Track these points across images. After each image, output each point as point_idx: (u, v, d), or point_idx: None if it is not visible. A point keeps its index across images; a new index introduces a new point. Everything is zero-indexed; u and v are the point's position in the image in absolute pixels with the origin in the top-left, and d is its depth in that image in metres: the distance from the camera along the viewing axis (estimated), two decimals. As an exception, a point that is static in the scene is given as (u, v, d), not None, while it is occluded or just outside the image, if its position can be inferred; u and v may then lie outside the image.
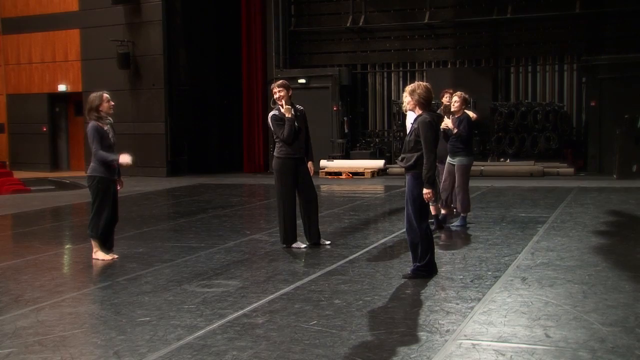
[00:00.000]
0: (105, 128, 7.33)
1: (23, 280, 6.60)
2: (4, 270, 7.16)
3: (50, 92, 21.15)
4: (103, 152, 7.24)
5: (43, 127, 21.38)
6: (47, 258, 7.85)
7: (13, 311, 5.48)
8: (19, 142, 21.88)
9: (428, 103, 6.29)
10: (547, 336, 4.54)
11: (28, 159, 21.63)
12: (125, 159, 7.26)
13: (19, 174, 19.44)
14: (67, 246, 9.06)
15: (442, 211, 9.12)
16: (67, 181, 17.93)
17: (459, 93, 8.99)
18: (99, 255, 7.44)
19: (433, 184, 6.14)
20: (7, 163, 21.44)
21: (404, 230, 8.73)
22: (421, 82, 6.56)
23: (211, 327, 4.90)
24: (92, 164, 7.37)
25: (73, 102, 21.34)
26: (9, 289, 6.25)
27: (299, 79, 18.52)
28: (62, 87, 20.93)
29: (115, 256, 7.53)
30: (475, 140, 17.48)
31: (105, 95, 7.39)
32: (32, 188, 17.37)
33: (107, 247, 7.54)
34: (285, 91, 7.69)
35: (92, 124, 7.30)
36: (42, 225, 10.82)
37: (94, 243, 7.50)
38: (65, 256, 8.34)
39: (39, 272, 6.97)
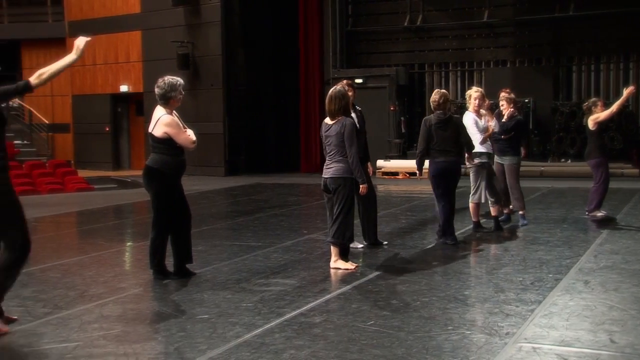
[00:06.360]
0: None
1: (88, 276, 6.79)
2: (69, 266, 7.37)
3: (113, 92, 21.66)
4: (356, 159, 6.55)
5: (106, 127, 21.93)
6: (110, 255, 8.06)
7: (79, 306, 5.65)
8: (83, 141, 22.49)
9: (436, 106, 7.72)
10: (612, 341, 4.43)
11: (91, 158, 22.22)
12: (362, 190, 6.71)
13: (83, 173, 20.02)
14: (129, 243, 9.27)
15: (505, 211, 9.14)
16: (129, 180, 18.34)
17: (504, 94, 9.07)
18: (340, 264, 6.68)
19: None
20: (72, 162, 22.08)
21: (462, 230, 8.73)
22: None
23: (269, 325, 4.94)
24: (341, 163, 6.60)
25: (134, 102, 21.81)
26: (75, 285, 6.44)
27: (356, 78, 18.42)
28: (124, 88, 21.42)
29: (357, 265, 6.83)
30: (534, 140, 17.22)
31: None
32: (95, 186, 17.89)
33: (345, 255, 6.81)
34: (353, 92, 7.69)
35: (347, 120, 6.64)
36: (105, 222, 11.11)
37: (334, 250, 6.73)
38: (127, 253, 8.55)
39: (102, 269, 7.16)
